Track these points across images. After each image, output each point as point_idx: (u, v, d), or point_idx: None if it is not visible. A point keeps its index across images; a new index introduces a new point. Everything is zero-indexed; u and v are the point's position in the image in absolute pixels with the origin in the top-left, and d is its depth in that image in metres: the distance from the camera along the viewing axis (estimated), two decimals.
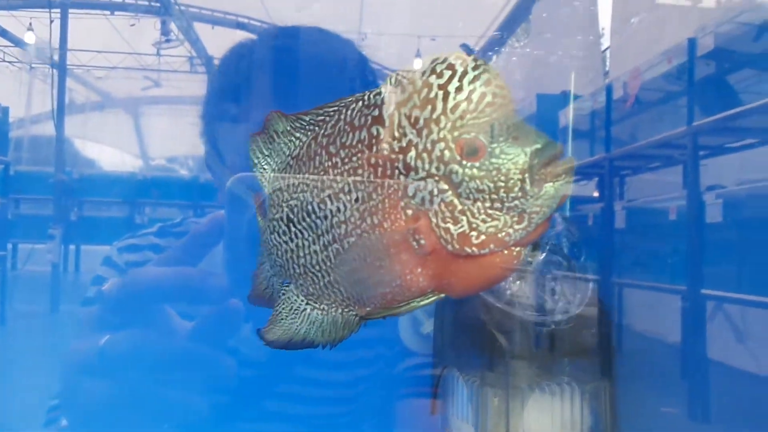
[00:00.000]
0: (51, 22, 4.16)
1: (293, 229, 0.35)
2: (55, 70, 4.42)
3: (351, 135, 0.33)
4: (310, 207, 0.34)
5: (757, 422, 2.23)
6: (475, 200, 0.30)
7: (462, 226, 0.30)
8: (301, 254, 0.35)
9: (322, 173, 0.34)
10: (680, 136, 2.64)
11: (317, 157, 0.34)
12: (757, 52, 2.52)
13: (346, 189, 0.33)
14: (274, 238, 0.37)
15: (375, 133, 0.32)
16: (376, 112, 0.32)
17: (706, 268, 2.51)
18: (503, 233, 0.30)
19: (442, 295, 0.33)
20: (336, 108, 0.34)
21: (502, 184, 0.30)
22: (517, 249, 0.31)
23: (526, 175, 0.30)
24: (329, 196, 0.33)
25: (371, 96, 0.32)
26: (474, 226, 0.30)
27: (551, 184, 0.30)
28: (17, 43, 5.55)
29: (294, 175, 0.35)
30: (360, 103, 0.33)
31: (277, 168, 0.37)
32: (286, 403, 0.65)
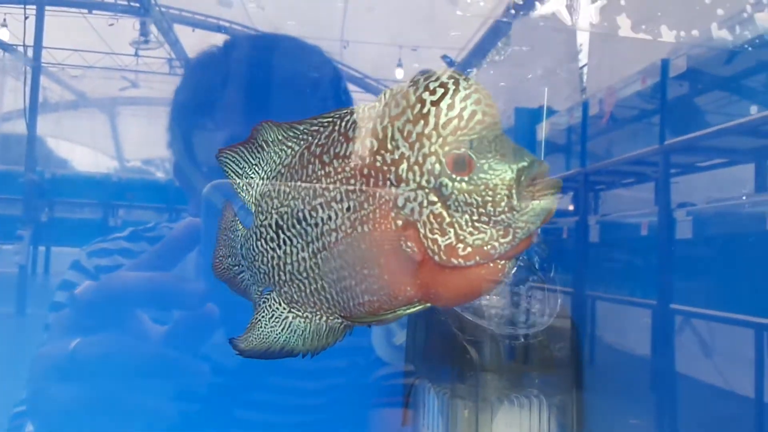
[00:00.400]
0: (26, 18, 4.08)
1: (282, 235, 0.36)
2: (28, 68, 4.32)
3: (345, 146, 0.34)
4: (300, 214, 0.35)
5: None
6: (463, 213, 0.31)
7: (449, 238, 0.31)
8: (289, 261, 0.36)
9: (314, 182, 0.35)
10: (653, 153, 2.70)
11: (310, 166, 0.35)
12: (728, 75, 2.60)
13: (338, 198, 0.34)
14: (260, 245, 0.37)
15: (369, 144, 0.33)
16: (370, 125, 0.33)
17: (676, 283, 2.56)
18: (489, 246, 0.31)
19: (428, 305, 0.33)
20: (330, 119, 0.35)
21: (490, 199, 0.31)
22: (502, 262, 0.32)
23: (513, 190, 0.31)
24: (321, 204, 0.34)
25: (365, 109, 0.34)
26: (461, 238, 0.31)
27: (537, 201, 0.31)
28: None
29: (286, 182, 0.36)
30: (354, 115, 0.34)
31: (266, 176, 0.37)
32: (257, 411, 0.65)
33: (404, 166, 0.32)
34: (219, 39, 0.72)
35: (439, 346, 0.41)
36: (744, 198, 2.36)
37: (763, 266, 2.13)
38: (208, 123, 0.68)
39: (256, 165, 0.38)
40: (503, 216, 0.31)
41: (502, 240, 0.31)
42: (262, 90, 0.67)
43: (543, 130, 3.42)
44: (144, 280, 0.46)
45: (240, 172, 0.38)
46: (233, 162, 0.38)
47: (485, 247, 0.31)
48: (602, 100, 3.10)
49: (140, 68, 6.20)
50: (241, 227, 0.40)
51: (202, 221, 0.49)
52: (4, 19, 5.07)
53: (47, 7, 4.30)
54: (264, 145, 0.37)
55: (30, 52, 4.24)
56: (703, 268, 2.44)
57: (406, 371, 0.45)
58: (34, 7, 4.06)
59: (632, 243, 2.88)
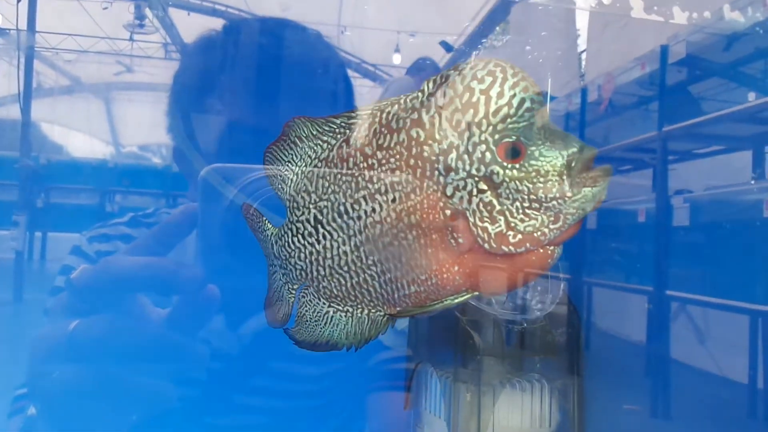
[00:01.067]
0: (18, 1, 4.03)
1: (321, 230, 0.36)
2: (21, 53, 4.27)
3: (389, 137, 0.33)
4: (342, 208, 0.35)
5: (714, 421, 2.31)
6: (514, 200, 0.31)
7: (499, 226, 0.32)
8: (329, 255, 0.36)
9: (356, 174, 0.34)
10: (651, 140, 2.70)
11: (350, 159, 0.35)
12: (726, 62, 2.59)
13: (383, 189, 0.33)
14: (297, 241, 0.37)
15: (414, 135, 0.33)
16: (415, 116, 0.33)
17: (672, 269, 2.58)
18: (539, 233, 0.31)
19: (476, 293, 0.34)
20: (370, 111, 0.35)
21: (541, 185, 0.31)
22: (551, 248, 0.32)
23: (564, 176, 0.31)
24: (364, 196, 0.34)
25: (408, 100, 0.33)
26: (512, 225, 0.31)
27: (588, 187, 0.31)
28: None
29: (324, 176, 0.36)
30: (396, 106, 0.34)
31: (300, 172, 0.37)
32: (257, 396, 0.65)
33: (453, 155, 0.32)
34: (217, 23, 0.71)
35: (442, 330, 0.41)
36: (743, 185, 2.37)
37: (760, 253, 2.14)
38: (207, 106, 0.68)
39: (289, 161, 0.37)
40: (554, 202, 0.31)
41: (552, 226, 0.31)
42: (262, 73, 0.67)
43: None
44: (141, 264, 0.46)
45: (273, 171, 0.38)
46: (275, 159, 0.38)
47: (536, 234, 0.31)
48: (600, 87, 3.09)
49: (135, 53, 6.14)
50: (270, 226, 0.39)
51: (200, 205, 0.48)
52: None
53: None
54: (297, 141, 0.37)
55: (23, 37, 4.19)
56: (699, 255, 2.45)
57: (408, 355, 0.45)
58: None
59: (629, 230, 2.89)
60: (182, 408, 0.61)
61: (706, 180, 2.85)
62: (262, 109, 0.66)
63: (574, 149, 0.31)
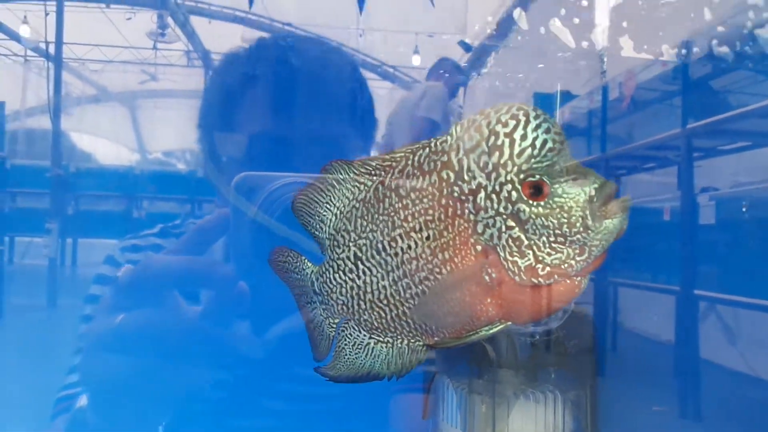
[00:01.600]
0: (46, 15, 4.14)
1: (361, 266, 0.38)
2: (50, 63, 4.38)
3: (421, 179, 0.36)
4: (380, 245, 0.37)
5: (746, 422, 2.26)
6: (541, 235, 0.33)
7: (528, 259, 0.34)
8: (369, 290, 0.38)
9: (392, 214, 0.37)
10: (675, 137, 2.66)
11: (386, 199, 0.37)
12: (752, 55, 2.54)
13: (418, 228, 0.36)
14: (338, 277, 0.40)
15: (445, 176, 0.35)
16: (445, 158, 0.35)
17: (699, 268, 2.53)
18: (566, 264, 0.33)
19: (509, 323, 0.36)
20: (402, 154, 0.37)
21: (566, 221, 0.33)
22: (579, 278, 0.34)
23: (587, 211, 0.33)
24: (400, 234, 0.36)
25: (437, 143, 0.36)
26: (540, 258, 0.34)
27: (610, 220, 0.33)
28: (12, 36, 5.51)
29: (363, 216, 0.38)
30: (427, 149, 0.36)
31: (339, 212, 0.39)
32: (281, 399, 0.67)
33: (482, 195, 0.34)
34: (242, 37, 0.74)
35: None
36: None
37: None
38: (230, 122, 0.71)
39: (327, 203, 0.40)
40: (579, 236, 0.33)
41: (578, 258, 0.33)
42: (285, 90, 0.69)
43: (566, 115, 3.38)
44: (179, 261, 0.51)
45: (312, 212, 0.40)
46: (304, 204, 0.40)
47: (563, 266, 0.33)
48: (622, 84, 3.05)
49: (159, 61, 6.26)
50: (309, 264, 0.42)
51: (232, 210, 0.53)
52: (25, 17, 5.15)
53: (66, 3, 4.35)
54: (336, 183, 0.39)
55: (51, 48, 4.31)
56: (727, 254, 2.41)
57: (426, 367, 0.47)
58: (54, 3, 4.12)
59: (655, 229, 2.85)
60: (209, 410, 0.64)
61: (733, 177, 2.79)
62: (284, 122, 0.69)
63: (595, 185, 0.33)
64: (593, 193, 0.33)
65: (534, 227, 0.33)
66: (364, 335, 0.39)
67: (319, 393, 0.69)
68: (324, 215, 0.40)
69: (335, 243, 0.39)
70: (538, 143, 0.33)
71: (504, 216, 0.34)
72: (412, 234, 0.36)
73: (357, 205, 0.38)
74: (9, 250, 4.38)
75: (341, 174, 0.39)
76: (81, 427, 0.56)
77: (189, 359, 0.51)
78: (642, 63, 2.98)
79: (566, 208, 0.33)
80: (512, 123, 0.33)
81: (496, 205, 0.34)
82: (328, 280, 0.40)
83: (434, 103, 2.11)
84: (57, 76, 4.20)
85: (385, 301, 0.37)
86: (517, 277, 0.34)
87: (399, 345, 0.38)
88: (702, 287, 2.51)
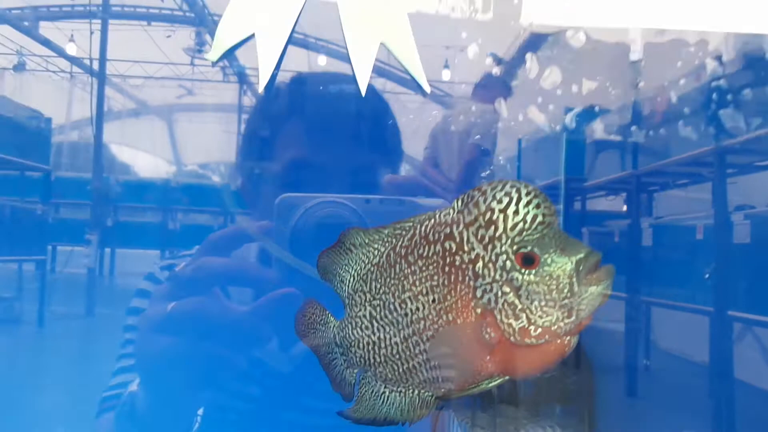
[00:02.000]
0: (91, 33, 4.32)
1: (376, 324, 0.43)
2: (94, 79, 4.56)
3: (427, 248, 0.40)
4: (392, 306, 0.42)
5: None
6: (533, 300, 0.37)
7: (522, 322, 0.37)
8: (383, 345, 0.43)
9: (402, 278, 0.41)
10: (708, 153, 2.60)
11: (397, 265, 0.42)
12: None
13: (425, 291, 0.40)
14: (356, 333, 0.44)
15: (448, 247, 0.40)
16: (448, 230, 0.39)
17: (733, 289, 2.47)
18: (556, 326, 0.37)
19: (507, 378, 0.40)
20: (411, 224, 0.42)
21: (555, 287, 0.37)
22: (567, 338, 0.38)
23: (574, 279, 0.37)
24: (409, 297, 0.41)
25: (441, 215, 0.40)
26: (532, 321, 0.37)
27: (595, 286, 0.37)
28: (60, 53, 5.76)
29: (376, 279, 0.43)
30: (432, 221, 0.41)
31: (356, 274, 0.44)
32: (305, 414, 0.70)
33: (480, 264, 0.38)
34: (286, 75, 0.81)
35: None
36: None
37: None
38: (268, 153, 0.78)
39: (346, 265, 0.45)
40: (566, 301, 0.37)
41: (566, 320, 0.37)
42: (320, 124, 0.77)
43: (598, 130, 3.35)
44: (232, 263, 0.58)
45: (334, 272, 0.45)
46: (327, 265, 0.45)
47: (553, 327, 0.37)
48: (655, 99, 3.01)
49: (196, 76, 6.45)
50: (332, 319, 0.47)
51: (275, 228, 0.60)
52: (72, 35, 5.39)
53: (110, 21, 4.54)
54: (352, 248, 0.44)
55: (95, 65, 4.49)
56: (763, 274, 2.34)
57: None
58: (99, 22, 4.30)
59: (688, 247, 2.79)
60: (236, 421, 0.68)
61: None
62: (319, 152, 0.76)
63: (581, 255, 0.37)
64: (579, 262, 0.37)
65: (527, 293, 0.37)
66: (381, 385, 0.44)
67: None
68: (344, 276, 0.45)
69: (353, 302, 0.44)
70: (528, 218, 0.37)
71: (500, 283, 0.37)
72: (420, 297, 0.40)
73: (372, 269, 0.43)
74: (51, 259, 4.54)
75: (357, 239, 0.44)
76: (129, 415, 0.63)
77: (230, 347, 0.58)
78: (675, 78, 2.94)
79: (555, 276, 0.37)
80: (506, 200, 0.37)
81: (492, 273, 0.38)
82: (347, 334, 0.45)
83: (487, 131, 2.12)
84: (100, 92, 4.38)
85: (397, 356, 0.42)
86: (512, 338, 0.37)
87: (411, 395, 0.42)
88: (736, 308, 2.44)
